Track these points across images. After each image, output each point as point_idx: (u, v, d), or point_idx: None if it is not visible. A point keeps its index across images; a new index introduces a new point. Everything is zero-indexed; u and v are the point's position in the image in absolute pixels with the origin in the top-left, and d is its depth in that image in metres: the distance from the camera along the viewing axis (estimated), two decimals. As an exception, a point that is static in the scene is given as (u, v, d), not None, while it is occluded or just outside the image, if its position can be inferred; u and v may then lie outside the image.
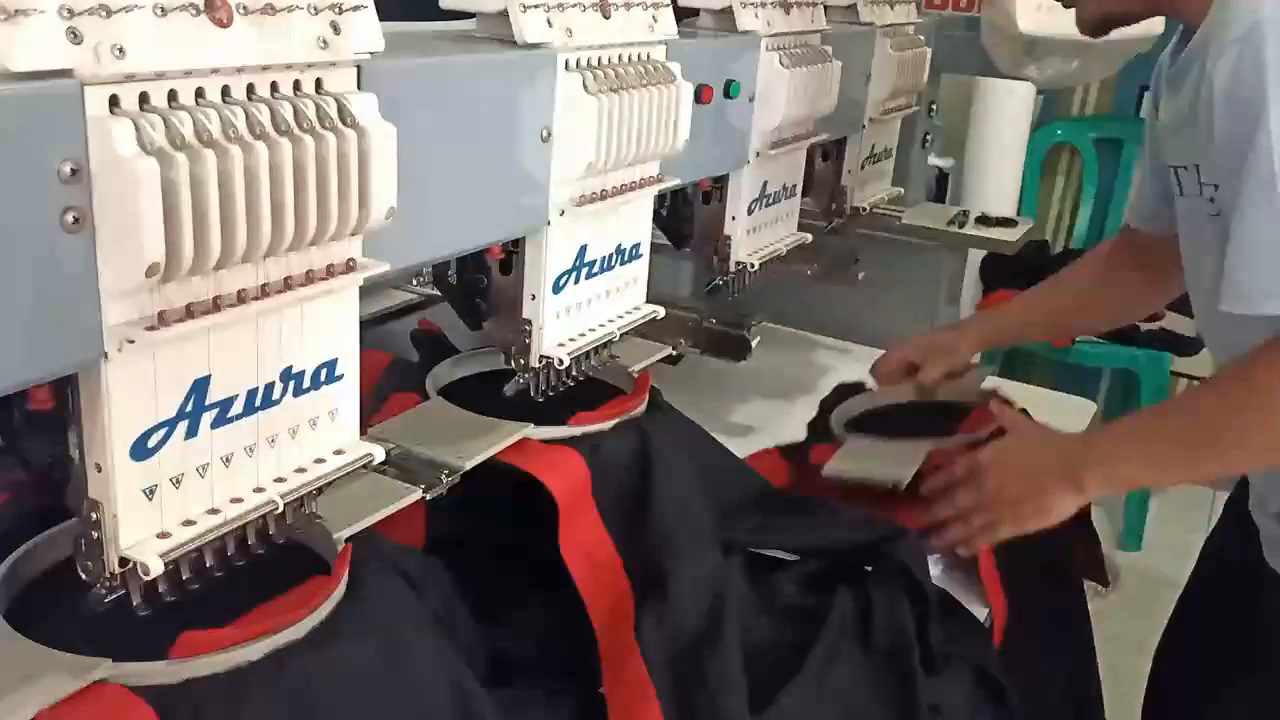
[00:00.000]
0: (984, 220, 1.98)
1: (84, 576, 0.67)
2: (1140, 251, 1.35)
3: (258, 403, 0.71)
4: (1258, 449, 0.98)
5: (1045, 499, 1.07)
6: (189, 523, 0.68)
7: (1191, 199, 1.05)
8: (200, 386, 0.66)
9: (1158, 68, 1.16)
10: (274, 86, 0.65)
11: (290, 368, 0.72)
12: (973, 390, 1.46)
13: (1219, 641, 1.18)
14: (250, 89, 0.63)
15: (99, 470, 0.64)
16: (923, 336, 1.54)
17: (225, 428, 0.69)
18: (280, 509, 0.72)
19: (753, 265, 1.36)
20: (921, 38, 1.73)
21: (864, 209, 1.74)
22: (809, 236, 1.51)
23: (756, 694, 0.95)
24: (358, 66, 0.70)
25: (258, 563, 0.75)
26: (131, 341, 0.60)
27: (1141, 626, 1.33)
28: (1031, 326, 1.58)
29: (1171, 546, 1.32)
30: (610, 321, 1.08)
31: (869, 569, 1.16)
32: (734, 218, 1.33)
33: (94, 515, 0.65)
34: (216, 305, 0.64)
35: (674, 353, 1.27)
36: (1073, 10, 1.17)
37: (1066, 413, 1.65)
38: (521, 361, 1.01)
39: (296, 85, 0.66)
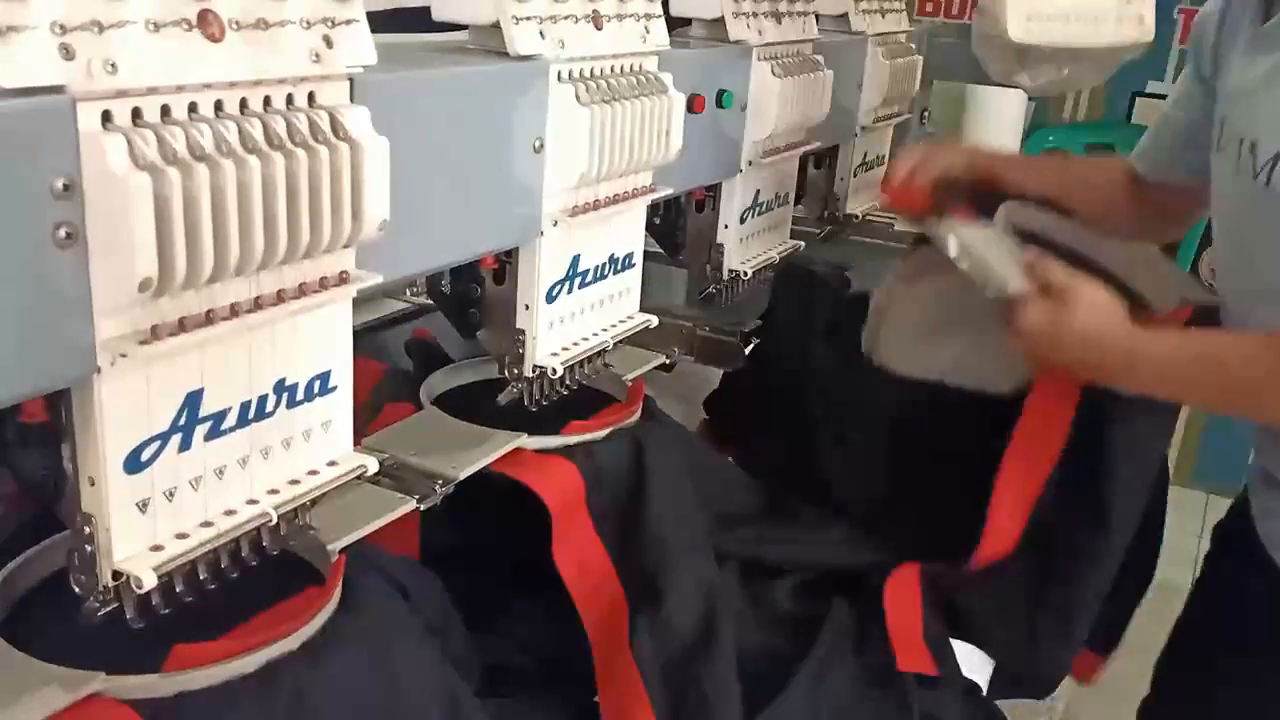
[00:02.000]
0: (976, 227, 1.98)
1: (77, 590, 0.67)
2: (1141, 193, 1.31)
3: (251, 415, 0.71)
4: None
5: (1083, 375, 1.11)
6: (182, 535, 0.68)
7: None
8: (193, 399, 0.66)
9: (1212, 25, 1.12)
10: (267, 101, 0.65)
11: (283, 380, 0.72)
12: None
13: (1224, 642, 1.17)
14: (243, 103, 0.63)
15: (92, 484, 0.64)
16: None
17: (218, 440, 0.69)
18: (273, 521, 0.72)
19: (745, 273, 1.36)
20: (913, 45, 1.74)
21: (856, 216, 1.75)
22: (801, 244, 1.51)
23: (750, 703, 0.95)
24: (350, 80, 0.70)
25: (251, 574, 0.75)
26: (124, 356, 0.60)
27: (1132, 627, 1.34)
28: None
29: (1166, 549, 1.32)
30: (604, 330, 1.08)
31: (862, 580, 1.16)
32: (726, 226, 1.33)
33: (87, 529, 0.65)
34: (209, 319, 0.64)
35: (667, 361, 1.27)
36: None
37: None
38: (515, 371, 1.01)
39: (289, 99, 0.66)
